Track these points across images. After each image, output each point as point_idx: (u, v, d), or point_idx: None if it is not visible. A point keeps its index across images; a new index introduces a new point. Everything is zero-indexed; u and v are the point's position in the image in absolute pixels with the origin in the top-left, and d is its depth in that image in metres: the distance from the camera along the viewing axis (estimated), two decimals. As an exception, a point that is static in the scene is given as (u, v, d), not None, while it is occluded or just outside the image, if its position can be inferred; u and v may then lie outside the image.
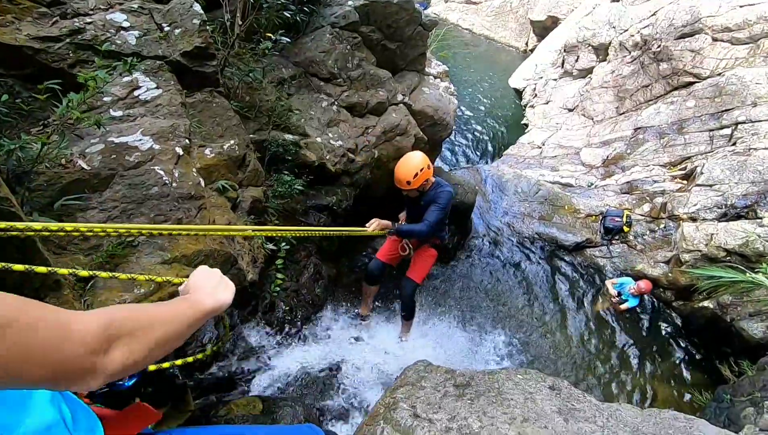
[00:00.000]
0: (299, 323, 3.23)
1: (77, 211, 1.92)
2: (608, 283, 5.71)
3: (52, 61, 2.37)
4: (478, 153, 9.99)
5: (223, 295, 0.87)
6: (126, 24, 2.70)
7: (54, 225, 1.22)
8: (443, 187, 3.38)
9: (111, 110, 2.49)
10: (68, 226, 1.26)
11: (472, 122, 10.91)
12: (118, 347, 0.60)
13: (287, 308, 3.18)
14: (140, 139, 2.36)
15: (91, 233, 1.41)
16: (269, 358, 2.64)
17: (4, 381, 0.51)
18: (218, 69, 3.18)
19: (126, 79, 2.58)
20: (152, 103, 2.63)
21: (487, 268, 6.03)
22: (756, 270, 4.32)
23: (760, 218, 5.23)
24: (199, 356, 1.29)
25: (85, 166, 2.09)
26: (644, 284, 5.30)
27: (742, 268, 4.46)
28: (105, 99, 2.51)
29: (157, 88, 2.69)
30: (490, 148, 10.25)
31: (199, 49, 2.90)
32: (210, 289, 0.86)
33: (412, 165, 3.20)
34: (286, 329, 3.00)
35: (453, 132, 8.98)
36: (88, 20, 2.58)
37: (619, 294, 5.50)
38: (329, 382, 2.65)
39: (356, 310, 3.94)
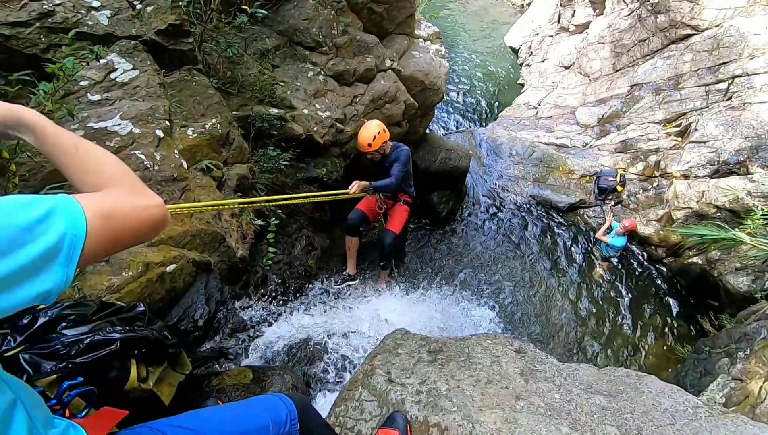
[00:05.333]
0: (291, 295, 3.34)
1: (62, 199, 1.96)
2: (599, 235, 5.85)
3: (24, 47, 2.35)
4: (474, 116, 9.86)
5: None
6: (96, 3, 2.65)
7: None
8: (401, 148, 4.02)
9: (89, 94, 2.49)
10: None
11: (467, 84, 10.69)
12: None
13: (279, 281, 3.29)
14: (119, 124, 2.37)
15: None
16: (261, 330, 2.77)
17: (116, 251, 0.75)
18: (196, 46, 3.12)
19: (102, 61, 2.55)
20: (130, 85, 2.62)
21: (482, 231, 6.12)
22: (741, 226, 4.39)
23: (751, 174, 5.23)
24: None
25: (66, 153, 2.12)
26: (628, 222, 5.53)
27: (726, 226, 4.51)
28: (82, 83, 2.50)
29: (133, 69, 2.67)
30: (485, 110, 10.10)
31: (173, 26, 2.85)
32: None
33: (370, 131, 3.82)
34: (279, 301, 3.12)
35: (447, 95, 8.84)
36: (57, 1, 2.53)
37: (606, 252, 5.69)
38: (319, 350, 2.79)
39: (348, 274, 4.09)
